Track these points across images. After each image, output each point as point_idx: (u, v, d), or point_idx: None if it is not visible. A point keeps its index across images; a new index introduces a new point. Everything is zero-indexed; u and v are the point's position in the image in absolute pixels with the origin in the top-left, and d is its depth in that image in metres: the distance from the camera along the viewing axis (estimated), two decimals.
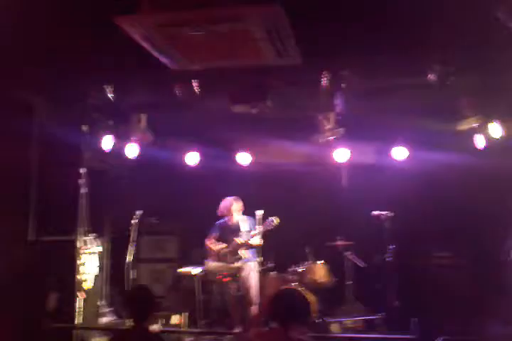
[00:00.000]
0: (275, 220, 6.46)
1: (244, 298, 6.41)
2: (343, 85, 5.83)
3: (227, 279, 6.43)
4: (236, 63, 5.30)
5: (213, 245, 6.69)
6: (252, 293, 6.38)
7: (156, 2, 4.39)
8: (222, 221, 6.87)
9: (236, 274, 6.39)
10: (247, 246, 6.54)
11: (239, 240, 6.52)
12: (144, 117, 6.83)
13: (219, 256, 6.61)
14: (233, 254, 6.53)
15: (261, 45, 4.83)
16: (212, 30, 4.59)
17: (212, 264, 6.62)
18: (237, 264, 6.47)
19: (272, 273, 6.82)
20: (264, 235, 6.57)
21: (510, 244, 6.10)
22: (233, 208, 6.74)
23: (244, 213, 6.82)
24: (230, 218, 6.77)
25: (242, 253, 6.50)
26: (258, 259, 6.64)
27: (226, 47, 4.90)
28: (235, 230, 6.66)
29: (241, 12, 4.29)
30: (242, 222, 6.70)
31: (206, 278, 6.81)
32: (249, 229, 6.62)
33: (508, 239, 6.15)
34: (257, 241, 6.54)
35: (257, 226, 6.54)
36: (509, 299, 5.80)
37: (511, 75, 5.38)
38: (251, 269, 6.49)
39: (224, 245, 6.63)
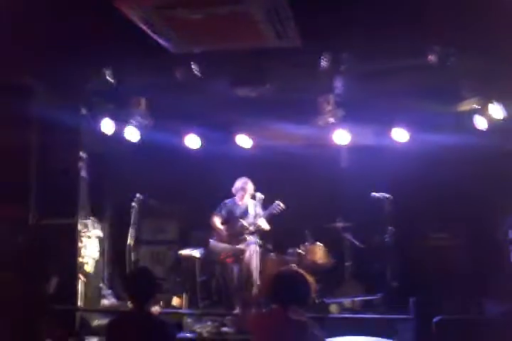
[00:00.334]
0: (281, 204, 6.51)
1: (246, 280, 6.45)
2: (342, 67, 5.79)
3: (230, 260, 6.48)
4: (236, 45, 5.28)
5: (219, 225, 6.73)
6: (254, 275, 6.44)
7: None
8: (231, 200, 6.91)
9: (239, 255, 6.44)
10: (255, 228, 6.60)
11: (246, 222, 6.57)
12: (143, 100, 6.82)
13: (223, 236, 6.66)
14: (238, 235, 6.58)
15: (261, 27, 4.80)
16: (212, 12, 4.57)
17: (216, 244, 6.65)
18: (241, 246, 6.51)
19: (271, 254, 6.88)
20: (269, 219, 6.64)
21: (508, 223, 6.14)
22: (248, 187, 6.77)
23: None
24: (241, 197, 6.81)
25: (248, 236, 6.55)
26: (259, 242, 6.69)
27: (226, 30, 4.87)
28: (243, 212, 6.73)
29: None
30: (251, 204, 6.75)
31: (208, 257, 6.85)
32: (255, 213, 6.67)
33: (506, 218, 6.20)
34: (265, 225, 6.61)
35: (261, 211, 6.62)
36: (507, 278, 5.86)
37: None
38: (253, 251, 6.54)
39: (228, 226, 6.70)
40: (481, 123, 6.42)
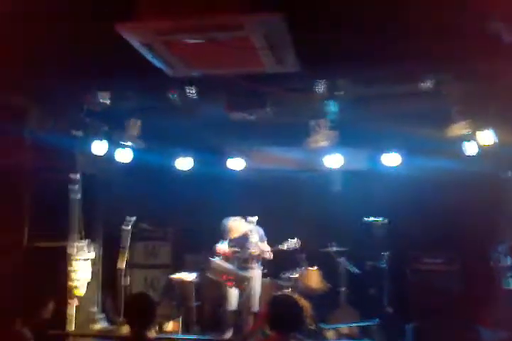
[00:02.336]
0: (296, 243, 6.53)
1: (247, 307, 6.42)
2: (337, 92, 5.85)
3: (231, 284, 6.40)
4: (235, 70, 5.31)
5: (224, 248, 6.68)
6: (254, 302, 6.41)
7: (156, 9, 4.39)
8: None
9: (243, 282, 6.37)
10: (263, 258, 6.59)
11: (255, 250, 6.53)
12: (138, 122, 6.81)
13: (228, 259, 6.61)
14: (244, 262, 6.55)
15: (260, 53, 4.84)
16: (212, 37, 4.60)
17: (219, 262, 6.55)
18: (246, 273, 6.47)
19: (264, 279, 6.83)
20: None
21: (500, 250, 6.18)
22: (231, 231, 6.70)
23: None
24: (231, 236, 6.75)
25: (252, 264, 6.53)
26: (262, 268, 6.69)
27: (225, 55, 4.89)
28: (244, 240, 6.66)
29: (242, 20, 4.30)
30: (252, 232, 6.67)
31: (205, 278, 6.72)
32: (258, 239, 6.63)
33: (498, 245, 6.23)
34: (270, 255, 6.60)
35: (265, 240, 6.64)
36: (500, 305, 5.88)
37: (501, 84, 5.45)
38: (257, 278, 6.52)
39: (237, 249, 6.64)
40: (471, 148, 6.52)
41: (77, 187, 6.41)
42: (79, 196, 6.43)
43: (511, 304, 5.74)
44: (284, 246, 6.56)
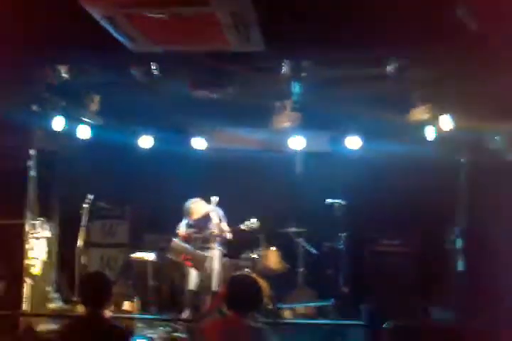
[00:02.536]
0: (256, 224, 6.54)
1: (205, 286, 6.42)
2: (302, 74, 5.84)
3: (189, 264, 6.40)
4: (199, 47, 5.22)
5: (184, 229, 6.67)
6: (213, 282, 6.39)
7: None
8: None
9: (201, 262, 6.36)
10: (222, 238, 6.59)
11: (214, 230, 6.53)
12: (97, 98, 6.64)
13: (188, 239, 6.59)
14: (204, 242, 6.54)
15: (225, 31, 4.77)
16: (176, 12, 4.50)
17: (180, 243, 6.55)
18: (204, 253, 6.45)
19: (224, 259, 6.83)
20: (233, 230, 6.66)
21: (455, 232, 6.34)
22: (193, 213, 6.69)
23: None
24: (192, 218, 6.74)
25: (212, 244, 6.52)
26: (222, 248, 6.68)
27: (189, 31, 4.79)
28: (206, 221, 6.65)
29: None
30: (212, 212, 6.65)
31: (165, 258, 6.69)
32: (218, 220, 6.63)
33: (453, 228, 6.40)
34: (230, 236, 6.63)
35: (225, 220, 6.64)
36: (452, 286, 6.06)
37: (462, 68, 5.53)
38: (214, 257, 6.51)
39: (196, 230, 6.64)
40: (430, 133, 6.63)
41: (32, 163, 6.24)
42: (34, 173, 6.25)
43: (461, 285, 5.91)
44: (244, 227, 6.58)
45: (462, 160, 6.21)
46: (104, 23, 4.69)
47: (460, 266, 6.10)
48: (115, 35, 4.90)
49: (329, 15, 4.81)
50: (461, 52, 5.23)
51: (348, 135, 7.08)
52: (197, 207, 6.64)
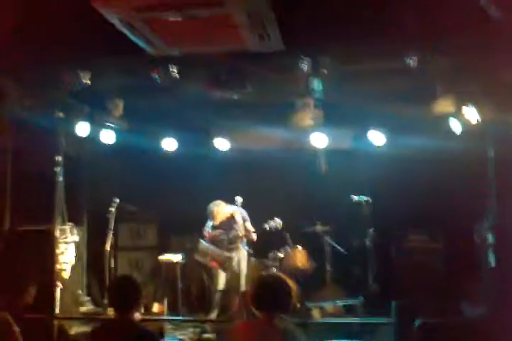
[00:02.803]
0: (279, 223, 6.54)
1: (233, 287, 6.45)
2: (322, 71, 5.79)
3: (215, 264, 6.42)
4: (216, 48, 5.23)
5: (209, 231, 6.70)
6: (240, 283, 6.45)
7: None
8: None
9: (226, 263, 6.38)
10: (248, 239, 6.62)
11: (240, 231, 6.55)
12: (120, 103, 6.72)
13: (214, 241, 6.61)
14: (230, 243, 6.56)
15: (242, 31, 4.76)
16: (192, 15, 4.51)
17: (206, 245, 6.57)
18: (231, 253, 6.48)
19: (251, 259, 6.84)
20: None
21: (485, 227, 6.22)
22: (215, 216, 6.70)
23: (223, 199, 6.79)
24: (215, 219, 6.75)
25: (238, 245, 6.55)
26: (248, 249, 6.70)
27: (207, 33, 4.81)
28: (230, 222, 6.69)
29: None
30: (236, 214, 6.70)
31: (192, 260, 6.72)
32: (242, 220, 6.67)
33: (483, 222, 6.28)
34: (255, 235, 6.65)
35: (248, 220, 6.66)
36: (483, 281, 5.95)
37: (488, 61, 5.42)
38: (242, 257, 6.55)
39: (222, 231, 6.65)
40: (456, 126, 6.52)
41: (59, 169, 6.33)
42: (61, 178, 6.35)
43: (493, 281, 5.79)
44: (266, 226, 6.56)
45: (490, 153, 6.08)
46: (121, 28, 4.74)
47: (492, 261, 5.99)
48: (133, 39, 4.95)
49: (347, 9, 4.77)
50: (485, 42, 5.14)
51: (370, 131, 7.02)
52: (219, 209, 6.67)
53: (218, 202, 6.70)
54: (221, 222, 6.67)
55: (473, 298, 5.94)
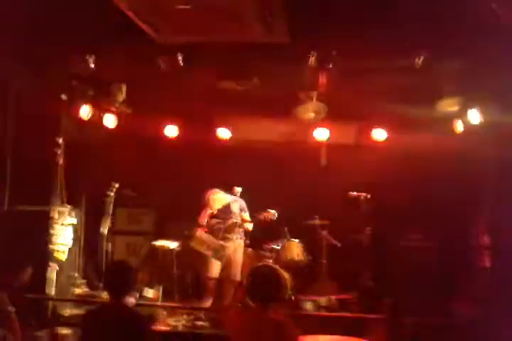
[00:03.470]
0: (275, 215, 6.53)
1: (227, 276, 6.48)
2: (328, 65, 5.78)
3: (210, 253, 6.44)
4: (223, 38, 5.23)
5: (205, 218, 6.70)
6: (235, 272, 6.45)
7: None
8: None
9: (221, 252, 6.41)
10: (243, 228, 6.61)
11: (236, 220, 6.55)
12: (124, 88, 6.71)
13: (210, 229, 6.62)
14: (226, 232, 6.56)
15: (249, 21, 4.76)
16: (200, 3, 4.51)
17: (202, 234, 6.56)
18: (225, 243, 6.49)
19: (248, 249, 6.87)
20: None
21: (481, 228, 6.25)
22: (212, 204, 6.66)
23: (222, 189, 6.81)
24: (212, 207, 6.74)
25: (234, 234, 6.55)
26: (245, 239, 6.72)
27: (214, 22, 4.82)
28: (227, 211, 6.66)
29: None
30: (233, 203, 6.69)
31: (191, 245, 6.68)
32: (239, 210, 6.66)
33: (479, 223, 6.30)
34: (251, 226, 6.63)
35: (246, 211, 6.67)
36: (475, 282, 5.99)
37: (492, 62, 5.42)
38: (238, 247, 6.55)
39: (219, 220, 6.66)
40: (458, 126, 6.53)
41: (59, 151, 6.34)
42: (61, 161, 6.36)
43: (486, 281, 5.83)
44: (261, 217, 6.57)
45: (491, 154, 6.09)
46: (129, 14, 4.73)
47: (486, 262, 6.02)
48: (140, 26, 4.94)
49: (356, 6, 4.76)
50: (492, 44, 5.13)
51: (373, 127, 7.02)
52: (216, 198, 6.67)
53: (215, 190, 6.70)
54: (218, 211, 6.68)
55: (466, 298, 5.98)
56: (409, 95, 6.20)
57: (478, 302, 5.61)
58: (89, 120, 6.76)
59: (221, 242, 6.47)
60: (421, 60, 5.51)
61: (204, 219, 6.66)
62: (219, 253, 6.37)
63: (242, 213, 6.67)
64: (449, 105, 6.41)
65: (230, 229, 6.56)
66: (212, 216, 6.69)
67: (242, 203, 6.74)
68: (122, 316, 3.62)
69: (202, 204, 6.69)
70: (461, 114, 6.43)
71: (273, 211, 6.54)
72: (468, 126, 6.41)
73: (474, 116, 6.24)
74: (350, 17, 4.85)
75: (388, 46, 5.38)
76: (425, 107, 6.38)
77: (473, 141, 6.34)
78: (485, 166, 6.20)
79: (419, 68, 5.60)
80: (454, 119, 6.57)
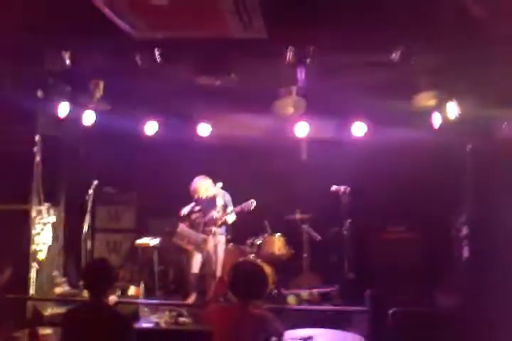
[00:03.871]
0: (254, 203, 6.51)
1: (207, 270, 6.46)
2: (306, 60, 5.79)
3: (191, 247, 6.43)
4: (201, 34, 5.19)
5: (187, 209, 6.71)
6: (216, 267, 6.44)
7: None
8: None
9: (201, 245, 6.39)
10: (223, 221, 6.59)
11: (216, 214, 6.53)
12: (101, 84, 6.64)
13: (191, 224, 6.62)
14: (207, 226, 6.55)
15: (227, 16, 4.74)
16: None
17: (184, 228, 6.58)
18: (206, 237, 6.48)
19: (229, 245, 6.87)
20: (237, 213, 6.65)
21: (461, 220, 6.32)
22: (199, 189, 6.69)
23: None
24: (199, 197, 6.75)
25: (215, 229, 6.52)
26: (226, 234, 6.73)
27: (191, 17, 4.79)
28: (211, 204, 6.65)
29: None
30: (218, 196, 6.66)
31: (172, 240, 6.72)
32: (224, 204, 6.64)
33: (459, 215, 6.38)
34: (232, 218, 6.61)
35: (230, 205, 6.65)
36: (457, 272, 6.07)
37: (468, 55, 5.47)
38: (218, 242, 6.53)
39: (199, 214, 6.67)
40: (436, 120, 6.58)
41: (37, 149, 6.27)
42: (39, 158, 6.29)
43: (466, 272, 5.91)
44: (238, 208, 6.57)
45: (468, 147, 6.16)
46: (105, 10, 4.68)
47: (465, 253, 6.10)
48: (116, 21, 4.89)
49: (333, 1, 4.76)
50: (468, 39, 5.17)
51: (353, 122, 7.05)
52: (205, 183, 6.67)
53: (205, 176, 6.69)
54: (202, 201, 6.68)
55: (447, 288, 6.06)
56: (387, 90, 6.22)
57: (460, 292, 5.68)
58: (66, 117, 6.68)
59: (202, 235, 6.46)
60: (398, 54, 5.54)
61: (185, 210, 6.64)
62: (200, 246, 6.37)
63: (225, 207, 6.64)
64: (426, 99, 6.45)
65: (210, 223, 6.55)
66: (194, 209, 6.68)
67: (227, 197, 6.73)
68: (103, 315, 3.62)
69: (184, 199, 6.67)
70: (439, 108, 6.49)
71: (250, 201, 6.53)
72: (446, 120, 6.47)
73: (452, 110, 6.29)
74: (327, 12, 4.85)
75: (365, 41, 5.38)
76: (403, 101, 6.40)
77: (451, 134, 6.41)
78: (463, 159, 6.27)
79: (396, 63, 5.63)
80: (432, 113, 6.62)
